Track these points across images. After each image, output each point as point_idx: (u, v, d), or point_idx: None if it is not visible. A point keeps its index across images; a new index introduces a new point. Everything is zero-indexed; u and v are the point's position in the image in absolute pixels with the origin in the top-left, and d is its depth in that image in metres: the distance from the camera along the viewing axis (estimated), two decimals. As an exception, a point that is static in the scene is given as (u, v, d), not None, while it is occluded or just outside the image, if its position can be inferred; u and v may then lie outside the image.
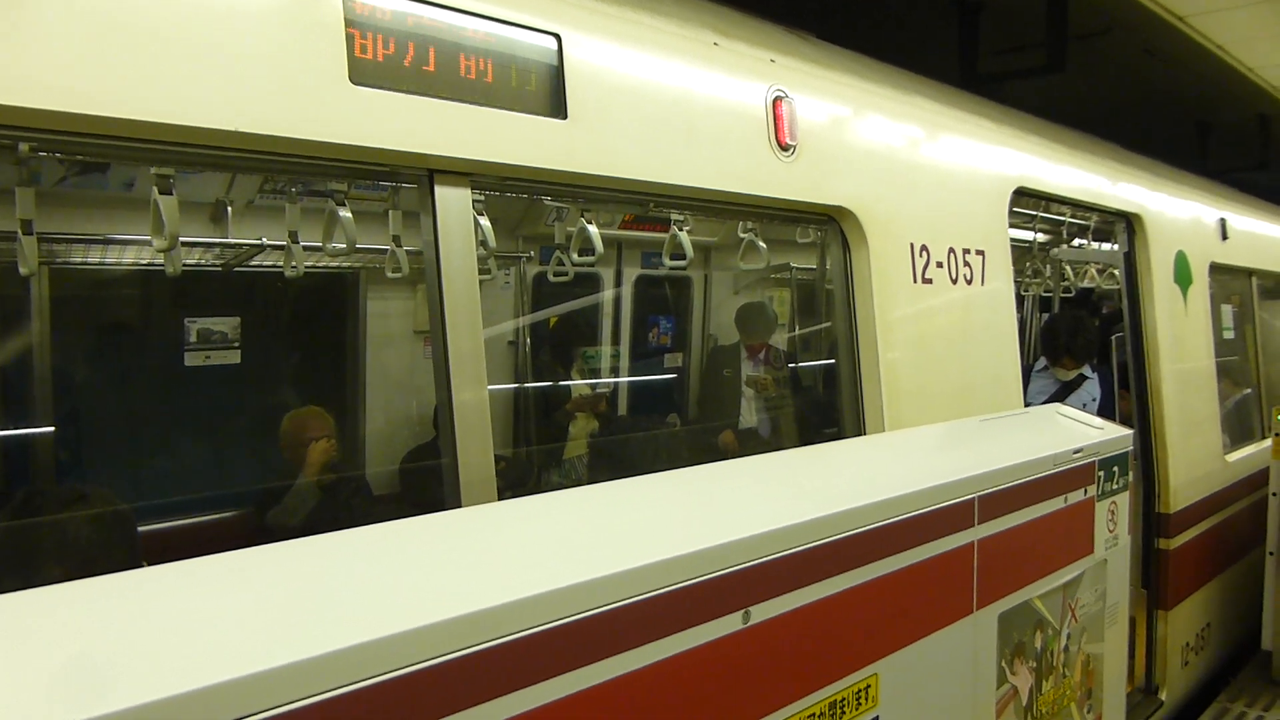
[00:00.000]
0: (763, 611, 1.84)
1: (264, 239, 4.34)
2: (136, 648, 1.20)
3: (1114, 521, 3.21)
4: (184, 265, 4.09)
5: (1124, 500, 3.26)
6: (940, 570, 2.39)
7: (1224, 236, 6.33)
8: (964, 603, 2.49)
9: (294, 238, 3.76)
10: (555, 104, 2.32)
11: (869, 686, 2.14)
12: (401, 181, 2.23)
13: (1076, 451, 3.00)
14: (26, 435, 4.05)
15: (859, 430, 3.20)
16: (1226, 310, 6.63)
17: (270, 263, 4.51)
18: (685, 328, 6.65)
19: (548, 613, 1.47)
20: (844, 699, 2.07)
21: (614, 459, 5.39)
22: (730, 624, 1.77)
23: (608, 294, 6.20)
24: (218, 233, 4.33)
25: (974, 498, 2.48)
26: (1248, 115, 9.48)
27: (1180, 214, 5.78)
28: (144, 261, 4.20)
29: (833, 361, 3.45)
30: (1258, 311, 7.11)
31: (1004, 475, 2.64)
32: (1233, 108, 9.00)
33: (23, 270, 3.08)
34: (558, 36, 2.33)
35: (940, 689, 2.42)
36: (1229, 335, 6.62)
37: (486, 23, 2.18)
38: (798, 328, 6.70)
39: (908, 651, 2.27)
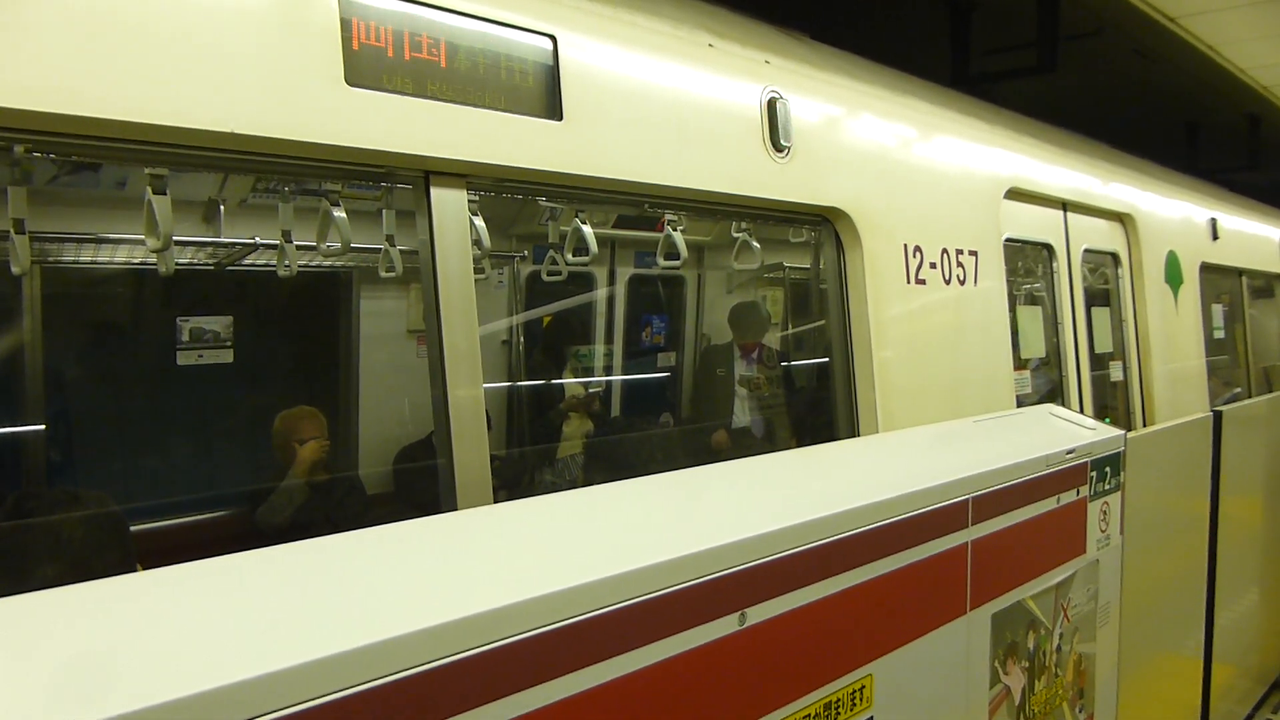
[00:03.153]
0: (759, 613, 1.85)
1: (257, 238, 4.33)
2: (140, 651, 1.20)
3: (1106, 522, 3.22)
4: (176, 264, 4.08)
5: (1116, 500, 3.28)
6: (935, 571, 2.40)
7: (1214, 236, 6.36)
8: (958, 603, 2.50)
9: (287, 237, 3.74)
10: (551, 105, 2.32)
11: (864, 687, 2.15)
12: (397, 183, 2.22)
13: (1069, 452, 3.01)
14: (18, 435, 4.03)
15: (853, 428, 3.21)
16: (1217, 310, 6.67)
17: (263, 262, 4.49)
18: (679, 327, 6.66)
19: (545, 616, 1.47)
20: (839, 700, 2.08)
21: (607, 459, 5.39)
22: (727, 625, 1.78)
23: (601, 293, 6.20)
24: (210, 232, 4.32)
25: (968, 499, 2.49)
26: (1237, 115, 9.52)
27: (1171, 214, 5.81)
28: (136, 260, 4.19)
29: (827, 360, 3.47)
30: (1248, 311, 7.15)
31: (998, 476, 2.65)
32: (1222, 108, 9.04)
33: (15, 270, 3.07)
34: (553, 38, 2.32)
35: (934, 689, 2.43)
36: (1219, 335, 6.65)
37: (482, 24, 2.17)
38: (791, 327, 6.71)
39: (902, 652, 2.28)
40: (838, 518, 2.06)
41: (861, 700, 2.14)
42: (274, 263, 4.28)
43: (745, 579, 1.82)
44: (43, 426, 4.05)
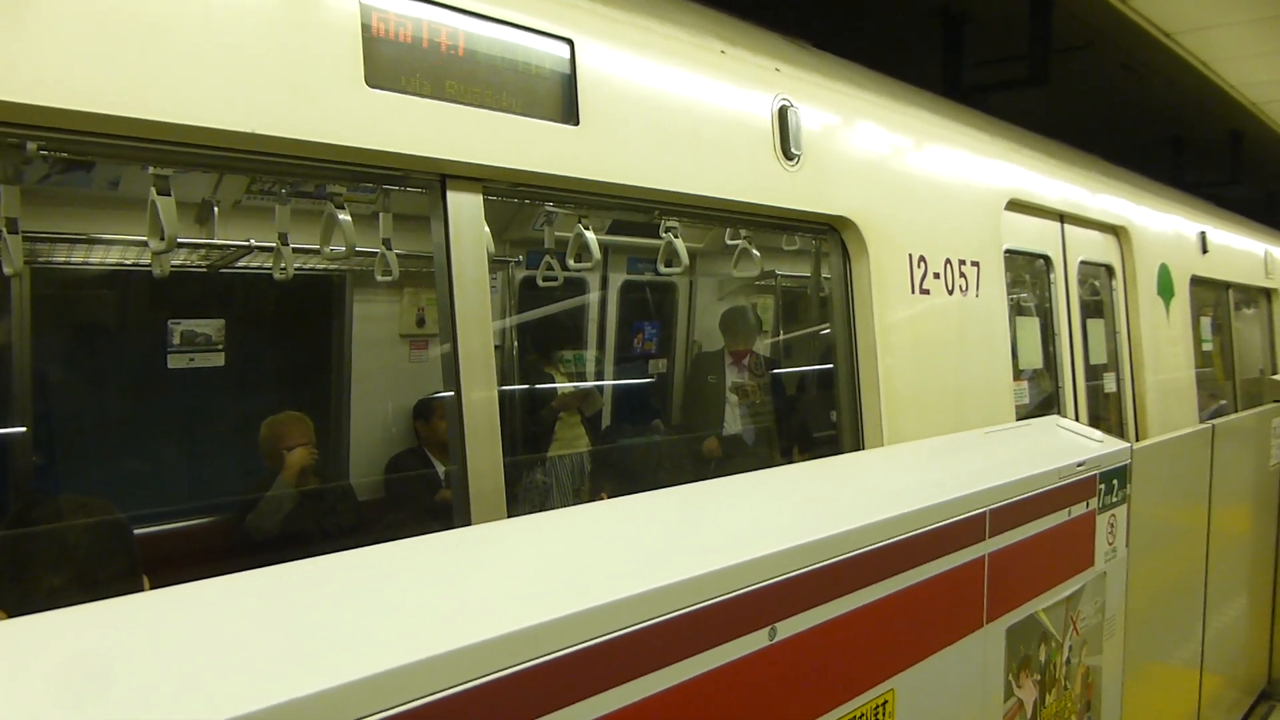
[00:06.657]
0: (788, 628, 1.82)
1: (251, 240, 4.27)
2: (164, 663, 1.15)
3: (1113, 534, 3.22)
4: (170, 266, 4.01)
5: (1122, 513, 3.28)
6: (954, 584, 2.37)
7: (1204, 250, 6.41)
8: (975, 616, 2.48)
9: (283, 240, 3.69)
10: (567, 110, 2.29)
11: (886, 702, 2.12)
12: (413, 186, 2.18)
13: (1080, 464, 3.00)
14: (6, 436, 3.95)
15: (857, 434, 3.19)
16: (1205, 323, 6.73)
17: (257, 265, 4.43)
18: (670, 333, 6.64)
19: (580, 633, 1.43)
20: (863, 715, 2.05)
21: (606, 464, 5.36)
22: (757, 641, 1.75)
23: (593, 298, 6.17)
24: (203, 234, 4.25)
25: (985, 511, 2.48)
26: (1221, 131, 9.61)
27: (1164, 227, 5.86)
28: (129, 262, 4.12)
29: (828, 367, 3.45)
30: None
31: (1014, 489, 2.63)
32: (1207, 123, 9.13)
33: (7, 270, 3.00)
34: (570, 43, 2.29)
35: (951, 703, 2.41)
36: (1208, 347, 6.71)
37: (501, 28, 2.14)
38: (782, 334, 6.71)
39: (922, 666, 2.25)
40: (866, 530, 2.03)
41: (884, 716, 2.11)
42: (268, 265, 4.22)
43: (776, 593, 1.78)
44: (25, 429, 3.97)
